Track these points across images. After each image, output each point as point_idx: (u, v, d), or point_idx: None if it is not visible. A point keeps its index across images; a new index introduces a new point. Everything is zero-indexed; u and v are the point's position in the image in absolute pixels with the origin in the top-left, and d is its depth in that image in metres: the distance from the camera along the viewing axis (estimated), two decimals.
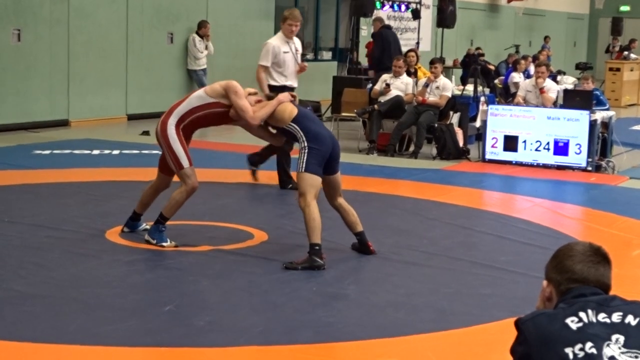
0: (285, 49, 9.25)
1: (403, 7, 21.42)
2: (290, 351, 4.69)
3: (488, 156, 11.65)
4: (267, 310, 5.37)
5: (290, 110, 6.58)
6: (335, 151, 6.53)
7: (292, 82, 9.32)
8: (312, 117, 6.78)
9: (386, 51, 14.97)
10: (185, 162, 6.64)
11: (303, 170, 6.33)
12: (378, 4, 19.96)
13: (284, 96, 6.68)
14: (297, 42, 9.46)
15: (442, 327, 5.11)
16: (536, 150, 11.37)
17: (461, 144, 12.30)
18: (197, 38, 16.27)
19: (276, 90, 9.01)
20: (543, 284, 2.76)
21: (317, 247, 6.28)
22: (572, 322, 2.54)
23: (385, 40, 15.23)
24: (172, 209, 6.70)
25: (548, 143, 11.28)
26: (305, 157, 6.33)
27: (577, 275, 2.67)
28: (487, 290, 5.92)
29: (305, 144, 6.37)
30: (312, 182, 6.32)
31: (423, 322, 5.19)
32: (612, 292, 2.70)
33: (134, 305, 5.38)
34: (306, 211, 6.28)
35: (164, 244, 6.63)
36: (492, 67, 19.92)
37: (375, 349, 4.76)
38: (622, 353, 2.49)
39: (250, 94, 6.71)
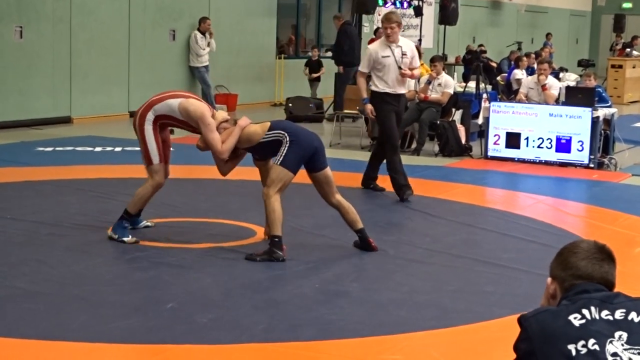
0: (384, 54, 8.71)
1: (405, 4, 21.39)
2: (293, 348, 4.69)
3: (490, 153, 11.64)
4: (269, 308, 5.37)
5: (261, 125, 6.61)
6: (320, 147, 6.57)
7: (394, 89, 8.76)
8: (289, 122, 6.90)
9: (353, 46, 15.73)
10: (156, 159, 6.73)
11: (279, 163, 6.41)
12: (380, 1, 19.93)
13: (244, 121, 6.65)
14: (405, 46, 8.82)
15: (444, 325, 5.11)
16: (538, 147, 11.36)
17: (463, 141, 12.29)
18: (199, 35, 16.26)
19: (376, 96, 8.78)
20: (547, 282, 2.75)
21: (277, 239, 6.33)
22: (575, 319, 2.53)
23: (350, 36, 15.89)
24: (137, 204, 6.81)
25: (550, 140, 11.27)
26: (285, 151, 6.40)
27: (582, 271, 2.67)
28: (490, 287, 5.92)
29: (287, 139, 6.42)
30: (283, 177, 6.37)
31: (425, 320, 5.19)
32: (615, 290, 2.70)
33: (136, 303, 5.38)
34: (267, 203, 6.37)
35: (125, 239, 6.68)
36: (494, 65, 19.90)
37: (378, 346, 4.76)
38: (625, 350, 2.49)
39: (222, 122, 6.68)
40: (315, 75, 17.98)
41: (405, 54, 8.75)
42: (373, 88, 8.84)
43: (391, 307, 5.43)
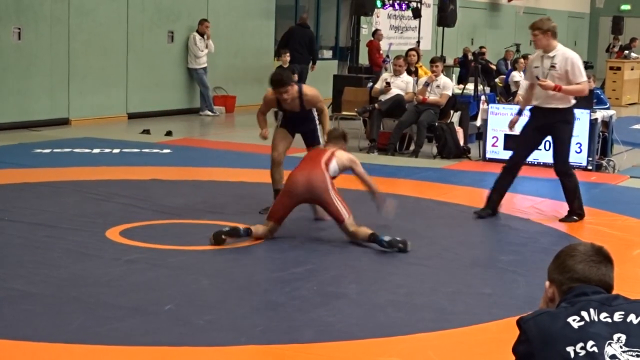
0: (536, 64, 7.89)
1: (404, 6, 21.41)
2: (291, 350, 4.68)
3: (489, 155, 11.64)
4: (267, 310, 5.37)
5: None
6: None
7: (542, 102, 7.89)
8: None
9: (295, 46, 16.52)
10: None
11: None
12: (379, 3, 19.96)
13: None
14: (558, 57, 7.76)
15: (442, 327, 5.11)
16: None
17: (462, 143, 12.29)
18: (198, 37, 16.26)
19: (532, 111, 8.10)
20: (545, 285, 2.75)
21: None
22: (574, 321, 2.53)
23: (293, 36, 16.74)
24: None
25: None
26: None
27: (579, 274, 2.67)
28: (488, 289, 5.92)
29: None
30: None
31: (423, 322, 5.19)
32: (613, 292, 2.70)
33: (134, 305, 5.36)
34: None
35: None
36: (493, 67, 19.91)
37: (376, 349, 4.76)
38: (624, 352, 2.49)
39: None
40: None
41: (554, 66, 7.73)
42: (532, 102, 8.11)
43: (389, 309, 5.43)
